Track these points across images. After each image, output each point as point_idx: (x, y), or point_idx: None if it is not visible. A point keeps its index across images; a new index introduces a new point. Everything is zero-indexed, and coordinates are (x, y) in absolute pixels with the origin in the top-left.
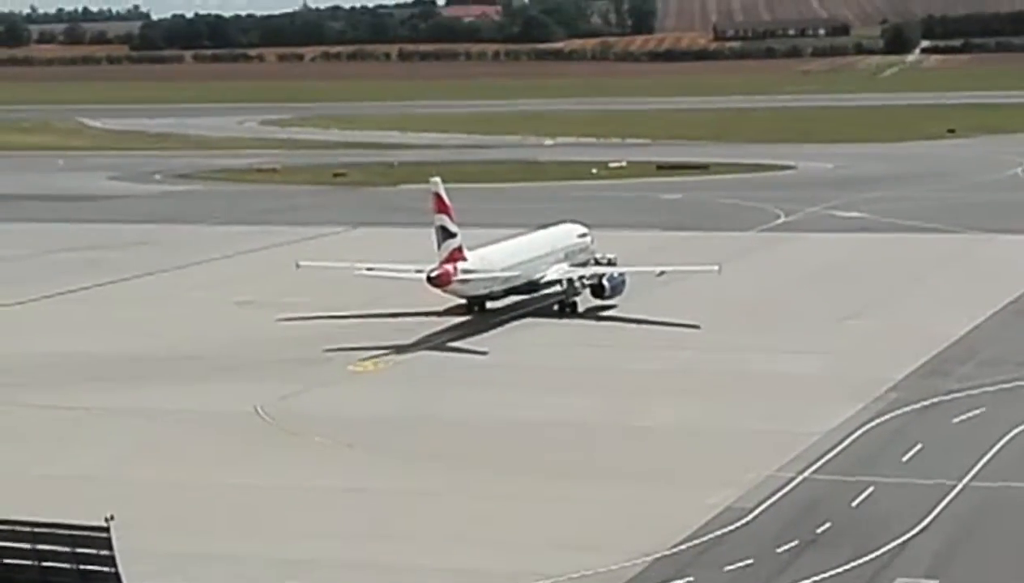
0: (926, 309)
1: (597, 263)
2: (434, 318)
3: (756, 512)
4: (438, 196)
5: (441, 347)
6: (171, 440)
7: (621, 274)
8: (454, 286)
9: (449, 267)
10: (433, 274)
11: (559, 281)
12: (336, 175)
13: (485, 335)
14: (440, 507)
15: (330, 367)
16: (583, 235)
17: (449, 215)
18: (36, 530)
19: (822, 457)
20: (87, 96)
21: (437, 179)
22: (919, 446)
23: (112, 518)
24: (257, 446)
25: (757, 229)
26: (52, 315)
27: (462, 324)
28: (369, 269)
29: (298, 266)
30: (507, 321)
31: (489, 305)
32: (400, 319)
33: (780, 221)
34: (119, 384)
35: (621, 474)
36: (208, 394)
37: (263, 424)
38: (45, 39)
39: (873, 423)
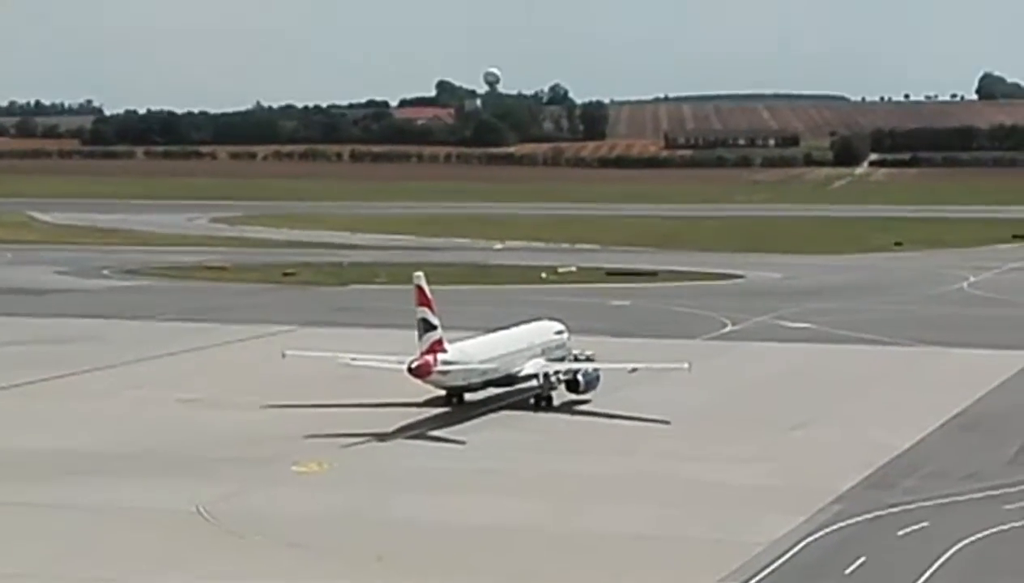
0: (871, 421)
1: (576, 359)
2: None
3: None
4: (420, 289)
5: (422, 436)
6: (110, 538)
7: (596, 370)
8: (434, 377)
9: (429, 358)
10: (414, 365)
11: (536, 375)
12: (286, 274)
13: (458, 428)
14: None
15: (275, 467)
16: (560, 332)
17: (431, 308)
18: None
19: (765, 568)
20: (37, 190)
21: (420, 274)
22: (862, 559)
23: None
24: (198, 546)
25: (704, 337)
26: None
27: (441, 416)
28: (352, 359)
29: (284, 355)
30: (484, 413)
31: (467, 397)
32: (377, 409)
33: (727, 330)
34: (58, 480)
35: (565, 581)
36: (149, 492)
37: (205, 524)
38: None
39: (817, 534)
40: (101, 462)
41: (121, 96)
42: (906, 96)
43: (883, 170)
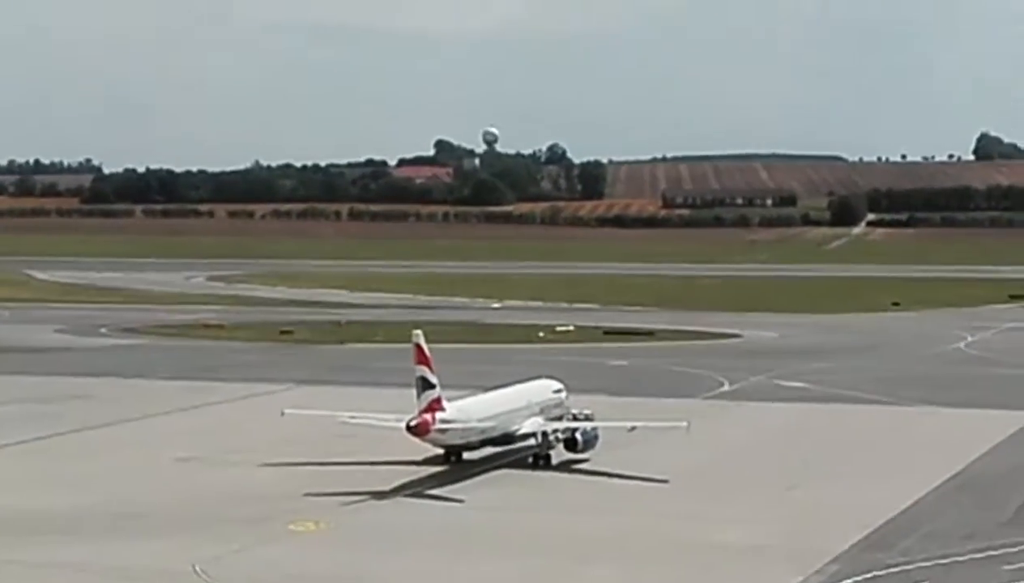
0: (868, 481)
1: (575, 418)
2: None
3: None
4: (419, 348)
5: (420, 495)
6: None
7: (594, 429)
8: (432, 435)
9: (428, 417)
10: (412, 423)
11: (534, 434)
12: (283, 332)
13: (456, 486)
14: None
15: (272, 526)
16: (558, 391)
17: (429, 367)
18: None
19: None
20: (36, 248)
21: (419, 332)
22: None
23: None
24: None
25: (701, 396)
26: None
27: (439, 474)
28: (351, 417)
29: (283, 414)
30: (482, 472)
31: (466, 456)
32: (375, 467)
33: (724, 389)
34: (54, 538)
35: None
36: (146, 551)
37: None
38: None
39: None
40: (97, 520)
41: (120, 155)
42: (903, 156)
43: (880, 230)
